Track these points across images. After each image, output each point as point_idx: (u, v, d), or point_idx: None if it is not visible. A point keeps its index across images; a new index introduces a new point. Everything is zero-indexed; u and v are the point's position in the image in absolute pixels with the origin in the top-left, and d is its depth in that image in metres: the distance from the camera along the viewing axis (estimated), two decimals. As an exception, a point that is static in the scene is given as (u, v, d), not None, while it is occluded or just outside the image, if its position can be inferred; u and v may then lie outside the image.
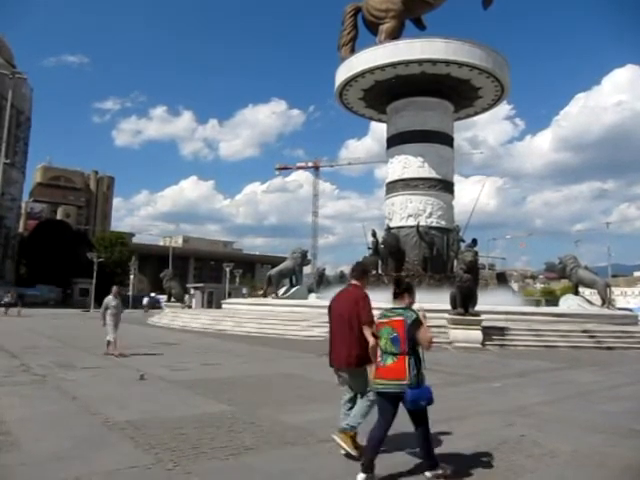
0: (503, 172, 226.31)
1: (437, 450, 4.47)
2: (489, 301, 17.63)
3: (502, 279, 28.56)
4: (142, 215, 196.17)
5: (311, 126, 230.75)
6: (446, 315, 15.03)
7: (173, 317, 24.09)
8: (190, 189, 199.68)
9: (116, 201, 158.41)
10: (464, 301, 14.81)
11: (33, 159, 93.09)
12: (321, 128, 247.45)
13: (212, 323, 20.31)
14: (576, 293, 22.77)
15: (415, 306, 3.90)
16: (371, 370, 3.93)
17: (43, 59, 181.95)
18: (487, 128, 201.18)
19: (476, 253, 15.07)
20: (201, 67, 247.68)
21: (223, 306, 26.76)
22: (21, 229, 67.60)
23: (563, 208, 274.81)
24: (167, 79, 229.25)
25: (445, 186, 26.73)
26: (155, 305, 46.16)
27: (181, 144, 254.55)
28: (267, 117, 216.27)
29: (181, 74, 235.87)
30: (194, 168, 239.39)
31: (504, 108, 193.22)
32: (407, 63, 25.02)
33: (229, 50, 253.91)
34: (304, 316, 18.43)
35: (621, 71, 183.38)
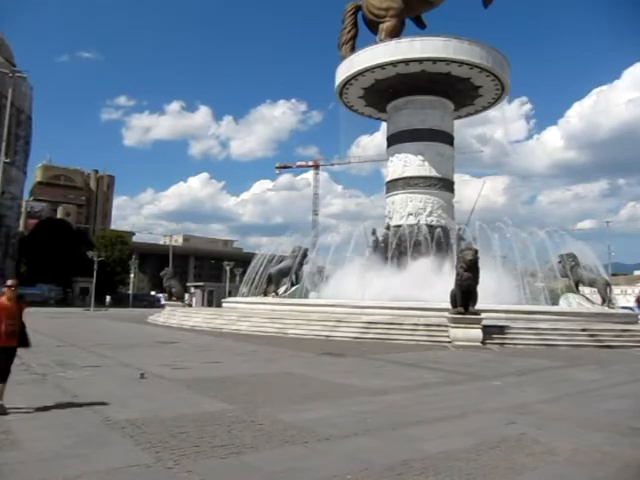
0: (514, 170, 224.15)
1: (437, 448, 4.49)
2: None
3: None
4: (146, 214, 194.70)
5: (328, 124, 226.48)
6: (446, 314, 15.04)
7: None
8: (198, 188, 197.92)
9: (122, 199, 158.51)
10: (464, 300, 14.80)
11: (36, 158, 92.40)
12: (336, 126, 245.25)
13: (209, 321, 20.27)
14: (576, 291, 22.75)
15: None
16: None
17: (54, 56, 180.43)
18: (502, 126, 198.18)
19: (476, 252, 15.04)
20: (221, 66, 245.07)
21: (223, 305, 26.75)
22: (21, 228, 67.55)
23: (573, 206, 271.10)
24: (185, 77, 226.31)
25: (445, 184, 26.74)
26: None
27: (192, 142, 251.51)
28: (282, 114, 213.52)
29: (200, 72, 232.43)
30: (204, 166, 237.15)
31: (525, 107, 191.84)
32: (407, 62, 25.02)
33: (250, 49, 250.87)
34: (308, 316, 18.39)
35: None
